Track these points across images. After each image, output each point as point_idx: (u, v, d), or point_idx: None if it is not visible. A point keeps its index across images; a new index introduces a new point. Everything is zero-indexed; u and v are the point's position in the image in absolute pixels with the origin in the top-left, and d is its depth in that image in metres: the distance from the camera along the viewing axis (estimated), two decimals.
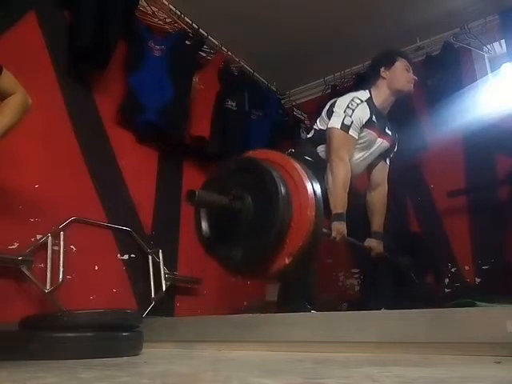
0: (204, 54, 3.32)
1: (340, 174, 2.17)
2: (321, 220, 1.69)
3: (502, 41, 3.11)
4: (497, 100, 2.94)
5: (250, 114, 3.49)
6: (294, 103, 4.04)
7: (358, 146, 2.31)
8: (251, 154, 1.91)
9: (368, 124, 2.28)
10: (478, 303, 1.64)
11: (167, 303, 2.70)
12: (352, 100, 2.26)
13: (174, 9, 3.02)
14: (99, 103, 2.62)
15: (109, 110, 2.65)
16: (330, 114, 2.31)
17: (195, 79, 3.04)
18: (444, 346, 1.27)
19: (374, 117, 2.30)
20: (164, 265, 2.63)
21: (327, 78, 3.79)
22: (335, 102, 2.33)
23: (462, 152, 3.10)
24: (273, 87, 3.92)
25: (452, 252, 3.02)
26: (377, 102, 2.35)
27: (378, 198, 2.45)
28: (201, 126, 2.95)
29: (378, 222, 2.41)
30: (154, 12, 2.98)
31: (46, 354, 1.42)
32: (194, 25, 3.12)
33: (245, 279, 2.26)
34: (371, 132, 2.32)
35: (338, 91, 3.68)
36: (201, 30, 3.16)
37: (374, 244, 2.33)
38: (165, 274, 2.62)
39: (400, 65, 2.40)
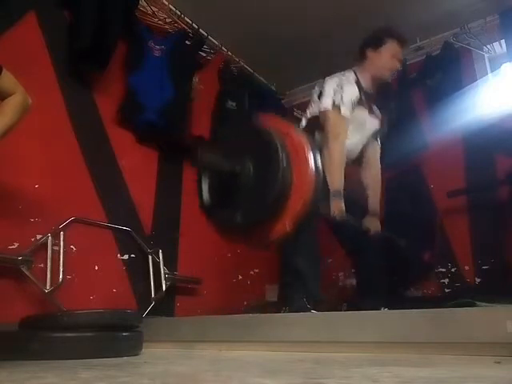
0: (204, 54, 3.32)
1: (336, 153, 2.19)
2: (320, 184, 1.70)
3: (502, 41, 3.11)
4: (497, 100, 2.94)
5: (250, 113, 3.49)
6: (293, 103, 4.04)
7: (352, 125, 2.31)
8: (254, 119, 1.94)
9: (359, 102, 2.30)
10: (477, 303, 1.63)
11: (167, 303, 2.70)
12: (340, 80, 2.29)
13: (173, 9, 3.02)
14: (99, 103, 2.62)
15: (109, 109, 2.65)
16: (320, 98, 2.33)
17: (195, 79, 3.05)
18: (444, 346, 1.27)
19: (362, 96, 2.32)
20: (164, 265, 2.63)
21: (327, 78, 3.79)
22: (324, 86, 2.35)
23: (461, 152, 3.10)
24: (273, 87, 3.92)
25: (452, 252, 3.02)
26: (363, 82, 2.37)
27: (372, 177, 2.49)
28: (201, 125, 2.96)
29: (374, 201, 2.45)
30: (153, 12, 2.98)
31: (46, 354, 1.42)
32: (193, 25, 3.12)
33: (246, 246, 2.26)
34: (362, 109, 2.34)
35: None
36: (201, 30, 3.16)
37: (372, 223, 2.37)
38: (165, 273, 2.62)
39: (387, 48, 2.33)
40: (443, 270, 3.05)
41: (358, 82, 2.33)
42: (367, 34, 2.58)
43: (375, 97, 2.44)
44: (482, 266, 2.89)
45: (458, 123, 2.86)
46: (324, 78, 3.77)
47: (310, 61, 3.52)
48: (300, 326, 1.61)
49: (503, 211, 2.84)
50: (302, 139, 1.72)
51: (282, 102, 4.05)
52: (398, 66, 2.37)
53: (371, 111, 2.41)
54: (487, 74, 3.20)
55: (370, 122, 2.41)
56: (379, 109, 2.46)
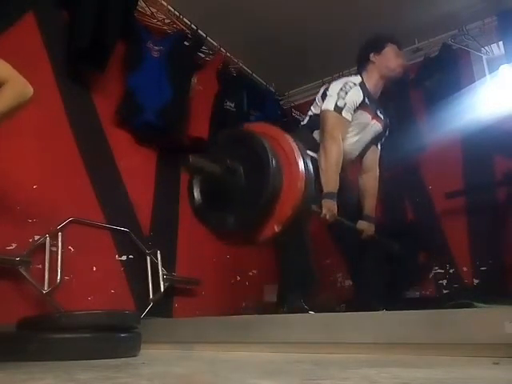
0: (203, 55, 3.31)
1: (333, 154, 2.20)
2: (311, 191, 1.74)
3: (500, 42, 3.12)
4: (495, 101, 2.94)
5: (249, 114, 3.49)
6: (292, 104, 4.04)
7: (353, 128, 2.34)
8: (247, 126, 1.98)
9: (362, 105, 2.32)
10: (476, 304, 1.64)
11: (165, 304, 2.69)
12: (345, 83, 2.31)
13: (172, 9, 3.02)
14: (97, 104, 2.62)
15: (107, 110, 2.65)
16: (323, 97, 2.35)
17: (194, 80, 3.05)
18: (442, 347, 1.27)
19: (366, 99, 2.34)
20: (162, 266, 2.63)
21: (326, 79, 3.78)
22: (329, 86, 2.38)
23: (460, 153, 3.11)
24: (271, 88, 3.92)
25: (450, 253, 3.02)
26: (368, 86, 2.39)
27: (369, 181, 2.50)
28: (199, 126, 2.95)
29: (369, 205, 2.46)
30: (152, 13, 2.98)
31: (45, 355, 1.41)
32: (192, 26, 3.12)
33: (236, 246, 2.30)
34: (365, 113, 2.35)
35: None
36: (199, 30, 3.16)
37: (365, 226, 2.38)
38: (163, 274, 2.61)
39: (389, 50, 2.44)
40: (441, 271, 3.05)
41: (363, 86, 2.35)
42: (366, 35, 2.59)
43: (380, 101, 2.47)
44: (480, 267, 2.89)
45: (456, 124, 2.87)
46: (323, 80, 3.81)
47: (309, 62, 3.53)
48: (298, 326, 1.61)
49: (501, 212, 2.85)
50: (292, 144, 1.76)
51: (281, 103, 4.05)
52: (403, 62, 2.46)
53: (375, 115, 2.42)
54: (485, 75, 3.21)
55: (373, 126, 2.43)
56: (383, 114, 2.48)
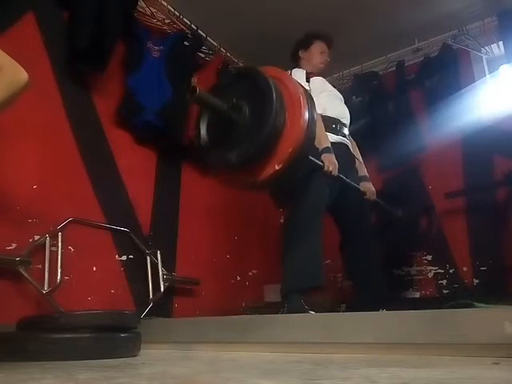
0: (203, 55, 3.32)
1: None
2: (313, 132, 1.78)
3: (500, 42, 3.12)
4: (495, 101, 2.95)
5: None
6: None
7: (325, 93, 2.45)
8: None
9: (309, 74, 2.46)
10: (476, 304, 1.64)
11: (165, 304, 2.69)
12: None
13: (172, 10, 3.02)
14: (98, 104, 2.62)
15: (107, 110, 2.65)
16: None
17: (194, 80, 3.04)
18: (442, 347, 1.27)
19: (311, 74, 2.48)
20: (162, 266, 2.63)
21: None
22: None
23: (460, 153, 3.11)
24: None
25: (450, 253, 3.03)
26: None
27: (353, 146, 2.59)
28: None
29: (362, 166, 2.60)
30: (152, 13, 2.98)
31: (44, 355, 1.41)
32: (192, 26, 3.12)
33: (238, 186, 2.29)
34: (322, 80, 2.52)
35: None
36: (199, 30, 3.16)
37: (367, 186, 2.49)
38: (163, 274, 2.61)
39: (315, 46, 2.57)
40: (441, 271, 3.05)
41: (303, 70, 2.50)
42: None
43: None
44: (480, 267, 2.90)
45: (456, 125, 2.87)
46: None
47: None
48: (298, 326, 1.61)
49: (501, 212, 2.85)
50: (298, 87, 1.79)
51: None
52: (327, 59, 2.59)
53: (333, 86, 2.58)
54: (485, 75, 3.21)
55: (336, 91, 2.58)
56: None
